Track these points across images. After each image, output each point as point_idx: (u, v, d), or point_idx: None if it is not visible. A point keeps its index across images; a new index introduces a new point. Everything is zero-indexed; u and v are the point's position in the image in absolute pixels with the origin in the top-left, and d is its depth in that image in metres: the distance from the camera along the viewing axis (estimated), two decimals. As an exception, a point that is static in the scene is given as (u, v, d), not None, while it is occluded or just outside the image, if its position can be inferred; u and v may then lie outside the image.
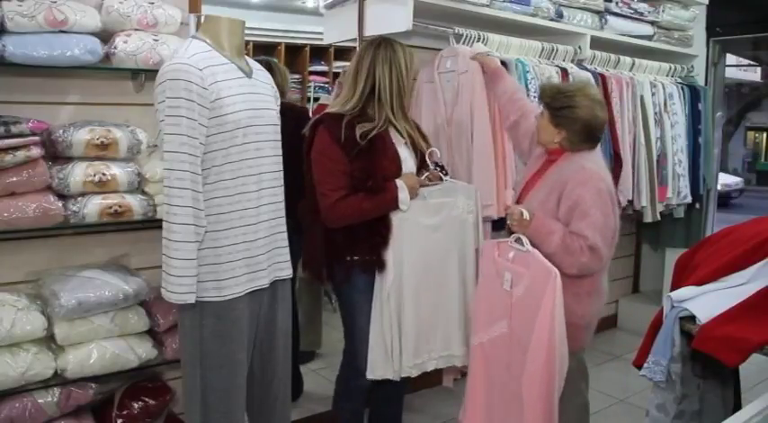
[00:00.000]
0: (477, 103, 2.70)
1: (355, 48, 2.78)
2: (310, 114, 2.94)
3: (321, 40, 4.38)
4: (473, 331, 2.29)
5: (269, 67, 2.34)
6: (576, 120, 2.13)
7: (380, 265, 2.22)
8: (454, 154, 2.78)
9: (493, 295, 2.18)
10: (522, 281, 2.08)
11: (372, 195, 2.18)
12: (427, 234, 2.29)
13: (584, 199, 2.07)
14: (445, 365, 2.42)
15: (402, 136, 2.29)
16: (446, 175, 2.39)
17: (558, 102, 2.17)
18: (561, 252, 2.06)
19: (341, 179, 2.16)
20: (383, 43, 2.27)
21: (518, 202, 2.27)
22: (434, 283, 2.33)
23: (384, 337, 2.25)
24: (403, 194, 2.20)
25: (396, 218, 2.22)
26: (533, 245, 2.08)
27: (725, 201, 12.75)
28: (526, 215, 2.10)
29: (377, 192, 2.18)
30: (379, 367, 2.27)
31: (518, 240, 2.10)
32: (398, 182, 2.21)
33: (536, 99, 2.87)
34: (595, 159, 2.25)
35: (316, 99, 4.69)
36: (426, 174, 2.32)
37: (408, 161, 2.30)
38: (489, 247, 2.23)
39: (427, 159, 2.35)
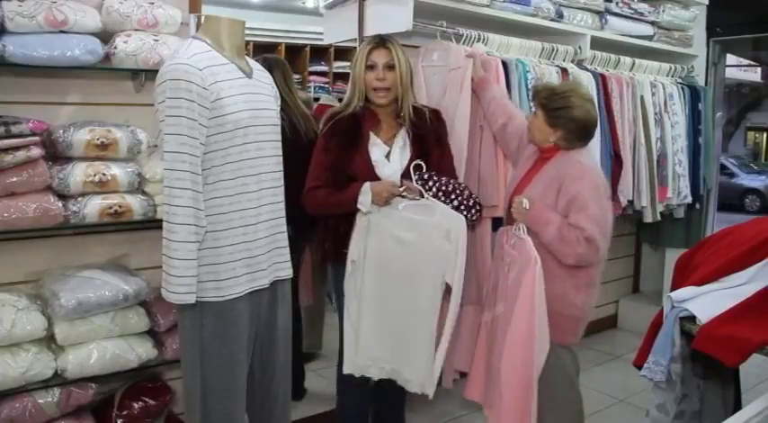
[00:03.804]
0: (463, 99, 2.64)
1: (355, 48, 2.78)
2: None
3: (321, 40, 4.37)
4: (484, 309, 2.42)
5: (269, 67, 2.33)
6: (573, 119, 2.20)
7: (342, 258, 2.27)
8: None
9: (497, 277, 2.32)
10: (515, 266, 2.20)
11: (337, 191, 2.23)
12: (395, 245, 2.22)
13: (581, 193, 2.15)
14: (388, 377, 2.31)
15: (382, 138, 2.29)
16: (428, 190, 2.21)
17: (554, 102, 2.22)
18: (558, 242, 2.14)
19: (320, 170, 2.27)
20: (367, 40, 2.32)
21: (511, 198, 2.32)
22: (399, 297, 2.23)
23: (347, 332, 2.31)
24: (363, 197, 2.18)
25: (364, 219, 2.23)
26: (533, 234, 2.18)
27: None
28: (525, 204, 2.20)
29: (343, 188, 2.23)
30: (350, 362, 2.31)
31: (518, 228, 2.22)
32: (365, 184, 2.19)
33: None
34: (589, 156, 2.35)
35: (316, 99, 4.69)
36: (404, 186, 2.20)
37: (385, 166, 2.28)
38: (501, 233, 2.37)
39: (411, 171, 2.22)
